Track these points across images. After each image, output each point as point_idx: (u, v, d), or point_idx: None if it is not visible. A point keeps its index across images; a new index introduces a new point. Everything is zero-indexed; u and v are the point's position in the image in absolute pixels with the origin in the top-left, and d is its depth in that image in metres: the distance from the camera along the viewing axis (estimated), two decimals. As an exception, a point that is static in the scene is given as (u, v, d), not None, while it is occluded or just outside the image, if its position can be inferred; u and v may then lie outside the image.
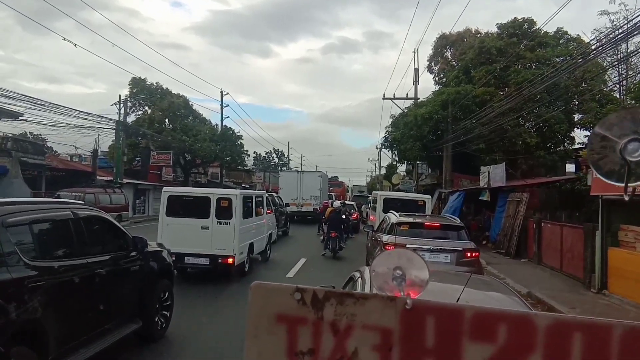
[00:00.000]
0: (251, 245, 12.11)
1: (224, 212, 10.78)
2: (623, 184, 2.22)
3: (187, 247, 10.47)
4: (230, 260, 10.59)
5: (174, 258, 9.63)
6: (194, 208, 11.00)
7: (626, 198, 2.60)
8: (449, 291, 3.30)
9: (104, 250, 5.51)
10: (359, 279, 3.81)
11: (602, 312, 8.87)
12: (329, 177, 49.36)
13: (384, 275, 1.67)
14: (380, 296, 1.53)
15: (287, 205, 26.52)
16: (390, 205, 16.43)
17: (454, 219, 11.54)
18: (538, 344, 1.39)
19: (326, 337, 1.50)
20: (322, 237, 19.03)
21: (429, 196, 19.44)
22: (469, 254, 9.29)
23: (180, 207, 11.05)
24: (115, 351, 5.57)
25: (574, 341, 1.38)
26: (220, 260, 10.61)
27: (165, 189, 11.93)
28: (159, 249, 7.15)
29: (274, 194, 25.26)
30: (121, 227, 6.26)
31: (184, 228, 10.69)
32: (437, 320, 1.46)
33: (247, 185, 52.39)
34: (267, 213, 14.52)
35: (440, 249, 9.25)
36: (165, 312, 6.72)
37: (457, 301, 2.64)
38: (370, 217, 21.01)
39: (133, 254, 6.05)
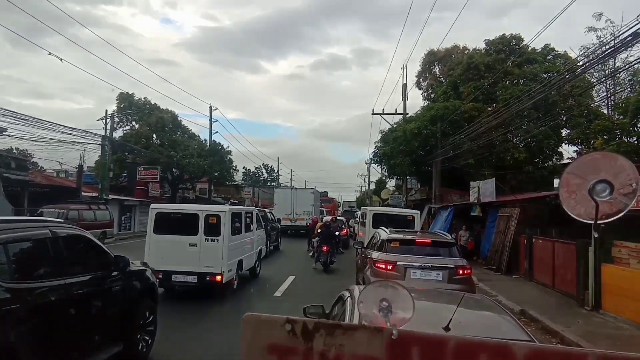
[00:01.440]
0: (240, 262, 11.91)
1: (213, 228, 10.59)
2: (592, 222, 2.33)
3: (175, 264, 10.33)
4: (218, 277, 10.37)
5: (160, 276, 9.77)
6: (182, 225, 10.78)
7: (595, 235, 2.84)
8: (441, 311, 3.23)
9: (84, 270, 5.28)
10: (349, 298, 3.70)
11: (596, 331, 8.68)
12: (319, 192, 50.29)
13: (371, 306, 1.72)
14: (368, 327, 1.58)
15: (279, 220, 27.27)
16: (379, 220, 16.58)
17: (446, 235, 11.30)
18: None
19: None
20: (311, 253, 19.48)
21: (418, 211, 19.33)
22: (461, 271, 9.04)
23: (168, 224, 10.82)
24: None
25: None
26: (208, 278, 10.38)
27: (152, 205, 11.66)
28: (143, 268, 6.93)
29: (266, 210, 25.72)
30: (103, 245, 6.06)
31: (171, 245, 10.50)
32: (422, 349, 1.51)
33: (235, 201, 51.94)
34: (256, 229, 14.36)
35: (432, 266, 8.98)
36: (149, 333, 6.50)
37: (450, 322, 2.66)
38: (359, 233, 20.97)
39: (115, 273, 5.82)
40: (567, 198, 2.55)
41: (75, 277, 5.01)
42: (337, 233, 18.25)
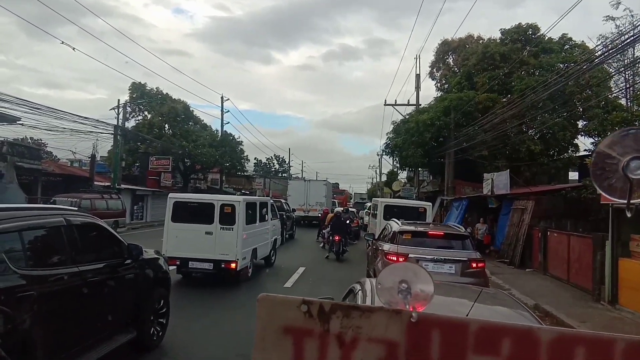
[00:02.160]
0: (255, 250, 12.24)
1: (228, 218, 10.93)
2: (625, 201, 2.23)
3: (192, 252, 10.76)
4: (233, 265, 10.75)
5: (178, 263, 10.61)
6: (199, 214, 11.15)
7: (628, 214, 2.62)
8: (456, 306, 3.21)
9: (97, 258, 5.33)
10: (359, 292, 3.65)
11: (613, 326, 8.48)
12: (331, 184, 51.74)
13: (390, 288, 1.67)
14: (386, 309, 1.54)
15: (294, 210, 28.69)
16: (390, 212, 16.67)
17: (459, 227, 11.09)
18: (542, 358, 1.40)
19: (332, 349, 1.51)
20: (322, 244, 19.83)
21: (430, 203, 19.27)
22: (474, 265, 8.82)
23: (185, 213, 11.21)
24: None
25: (577, 355, 1.39)
26: (223, 265, 10.78)
27: (170, 195, 12.03)
28: (156, 256, 6.94)
29: (282, 200, 26.93)
30: (116, 234, 6.08)
31: (188, 233, 10.90)
32: (443, 333, 1.47)
33: (246, 192, 52.03)
34: (271, 219, 14.64)
35: (445, 259, 8.78)
36: (161, 321, 6.57)
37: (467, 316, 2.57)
38: (370, 225, 20.97)
39: (128, 261, 5.85)
40: (599, 176, 2.38)
41: (89, 264, 5.04)
42: (347, 222, 18.53)
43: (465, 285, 5.73)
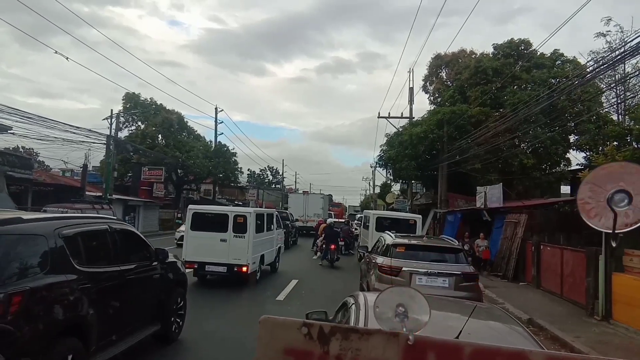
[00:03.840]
0: (262, 256, 13.56)
1: (240, 227, 12.27)
2: (610, 231, 2.42)
3: (208, 256, 12.12)
4: (244, 268, 12.04)
5: (196, 266, 12.13)
6: (215, 223, 12.43)
7: (614, 244, 2.77)
8: (451, 321, 3.17)
9: (132, 260, 6.14)
10: (353, 305, 3.61)
11: (607, 341, 8.44)
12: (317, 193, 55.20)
13: (387, 311, 1.69)
14: (384, 332, 1.57)
15: (297, 220, 31.94)
16: (381, 224, 17.33)
17: (452, 240, 11.01)
18: None
19: None
20: (317, 253, 20.90)
21: (420, 216, 19.64)
22: (468, 279, 8.76)
23: (203, 222, 12.50)
24: (135, 351, 6.08)
25: None
26: (235, 269, 12.08)
27: (190, 206, 13.56)
28: (175, 260, 7.75)
29: (287, 211, 30.71)
30: (146, 240, 6.88)
31: (205, 240, 12.20)
32: (438, 356, 1.48)
33: (240, 202, 51.85)
34: (276, 229, 15.77)
35: (438, 272, 8.65)
36: (180, 317, 7.46)
37: (460, 332, 2.62)
38: (361, 237, 22.09)
39: (154, 263, 6.72)
40: (585, 207, 2.48)
41: (125, 264, 5.87)
42: (339, 230, 20.39)
43: (459, 300, 5.68)
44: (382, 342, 1.54)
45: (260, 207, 30.37)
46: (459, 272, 8.73)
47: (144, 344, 6.36)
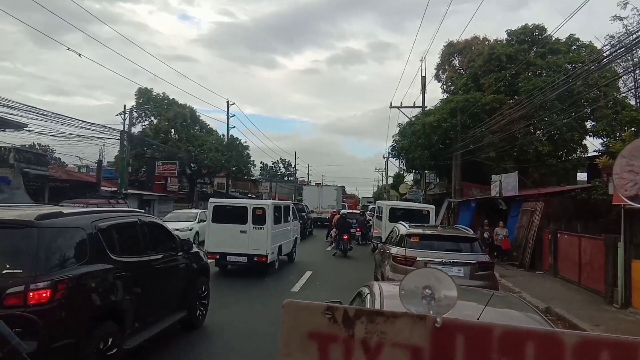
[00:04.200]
0: (280, 247, 14.09)
1: (259, 219, 12.78)
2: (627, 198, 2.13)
3: (229, 247, 12.62)
4: (264, 258, 12.62)
5: (217, 257, 12.64)
6: (235, 216, 12.96)
7: None
8: (468, 310, 3.11)
9: (159, 250, 6.52)
10: (368, 295, 3.63)
11: (627, 330, 8.30)
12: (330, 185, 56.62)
13: (413, 294, 1.67)
14: (410, 314, 1.54)
15: (312, 212, 33.26)
16: (394, 214, 17.38)
17: (467, 230, 10.97)
18: None
19: (357, 354, 1.51)
20: (332, 244, 21.21)
21: (433, 206, 19.64)
22: (483, 267, 8.73)
23: (224, 215, 13.02)
24: (164, 336, 6.57)
25: (601, 359, 1.37)
26: (256, 259, 12.62)
27: (211, 200, 14.09)
28: (198, 250, 8.14)
29: (303, 203, 32.37)
30: (172, 232, 7.29)
31: (226, 232, 12.69)
32: (467, 338, 1.46)
33: (253, 195, 52.05)
34: (292, 221, 16.32)
35: (453, 262, 8.61)
36: (204, 304, 7.80)
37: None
38: (375, 230, 21.71)
39: (180, 254, 7.08)
40: (621, 182, 2.34)
41: (154, 255, 6.27)
42: (351, 221, 21.04)
43: (475, 289, 5.63)
44: (408, 325, 1.51)
45: (273, 200, 30.60)
46: (474, 261, 8.70)
47: (171, 330, 6.81)
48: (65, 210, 5.25)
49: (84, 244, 4.94)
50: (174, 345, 6.78)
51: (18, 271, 4.32)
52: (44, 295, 4.24)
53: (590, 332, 1.60)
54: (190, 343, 6.96)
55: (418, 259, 8.59)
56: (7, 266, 4.36)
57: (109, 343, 4.90)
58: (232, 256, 12.66)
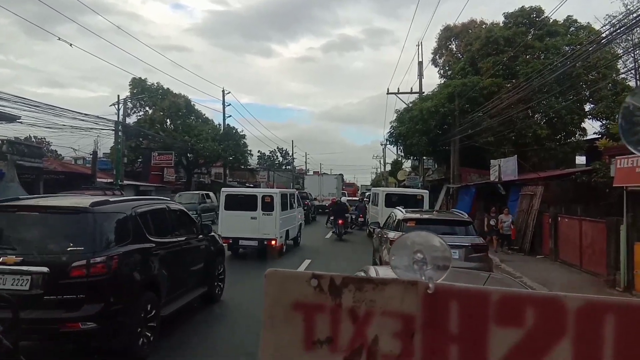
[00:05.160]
0: (287, 232, 15.07)
1: (268, 206, 13.76)
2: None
3: (241, 232, 13.54)
4: (273, 242, 13.62)
5: (230, 241, 13.40)
6: (245, 203, 13.97)
7: None
8: None
9: (183, 233, 7.35)
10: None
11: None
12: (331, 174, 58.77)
13: (404, 259, 1.57)
14: (401, 281, 1.46)
15: (315, 199, 35.11)
16: (390, 200, 18.34)
17: (462, 213, 11.28)
18: (569, 327, 1.32)
19: (345, 324, 1.45)
20: (332, 229, 22.12)
21: (427, 191, 20.77)
22: (477, 249, 9.15)
23: (235, 203, 14.05)
24: (190, 309, 7.48)
25: (607, 323, 1.30)
26: (265, 243, 13.59)
27: (223, 189, 15.22)
28: (214, 233, 8.92)
29: (305, 191, 34.30)
30: (193, 218, 8.37)
31: (238, 218, 13.61)
32: (461, 304, 1.39)
33: (250, 185, 51.86)
34: (297, 207, 17.43)
35: (449, 244, 8.69)
36: (221, 282, 8.72)
37: None
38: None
39: (200, 236, 7.92)
40: (627, 130, 2.18)
41: (179, 237, 7.12)
42: (345, 206, 22.19)
43: (472, 271, 5.68)
44: (399, 292, 1.42)
45: (271, 188, 31.01)
46: (469, 244, 9.11)
47: (194, 305, 7.67)
48: (111, 199, 6.31)
49: (127, 227, 5.80)
50: (199, 314, 7.67)
51: (80, 249, 5.15)
52: (101, 268, 5.10)
53: (594, 296, 1.43)
54: (211, 314, 7.90)
55: None
56: (71, 244, 5.20)
57: (150, 309, 5.78)
58: (244, 240, 13.65)
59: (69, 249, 5.15)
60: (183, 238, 7.17)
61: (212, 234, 8.63)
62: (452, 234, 9.38)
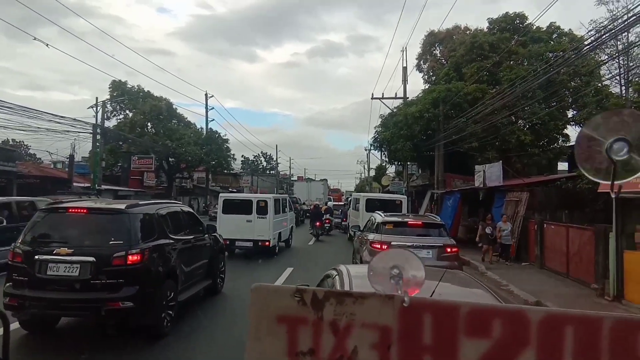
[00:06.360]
0: (280, 234, 16.15)
1: (262, 209, 14.90)
2: (609, 182, 2.30)
3: (237, 234, 14.56)
4: (267, 243, 14.76)
5: (227, 242, 13.56)
6: (241, 207, 15.05)
7: (613, 195, 2.71)
8: (425, 286, 3.15)
9: (193, 232, 8.42)
10: (337, 276, 3.77)
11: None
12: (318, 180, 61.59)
13: (382, 274, 1.66)
14: (379, 295, 1.54)
15: (304, 204, 37.37)
16: (371, 205, 18.99)
17: (435, 217, 12.41)
18: (532, 338, 1.41)
19: (326, 336, 1.51)
20: (311, 231, 23.86)
21: (405, 196, 22.24)
22: (448, 250, 9.94)
23: (232, 207, 15.18)
24: (198, 299, 8.55)
25: (566, 334, 1.40)
26: (260, 244, 14.73)
27: (221, 194, 17.06)
28: (216, 233, 9.95)
29: (295, 196, 36.98)
30: (199, 219, 9.52)
31: (234, 221, 14.67)
32: (434, 317, 1.48)
33: (234, 190, 51.18)
34: (289, 211, 18.52)
35: (423, 245, 9.74)
36: (222, 276, 9.76)
37: (432, 295, 2.67)
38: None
39: (205, 236, 8.99)
40: (584, 159, 2.39)
41: (190, 235, 8.18)
42: (322, 209, 24.94)
43: (430, 267, 5.47)
44: (377, 305, 1.51)
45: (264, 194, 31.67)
46: (441, 244, 10.00)
47: (200, 296, 8.71)
48: (141, 202, 7.53)
49: (153, 225, 6.92)
50: (204, 303, 8.70)
51: (120, 242, 6.20)
52: (137, 258, 6.16)
53: (555, 308, 1.70)
54: (216, 303, 8.94)
55: (392, 243, 9.43)
56: (112, 239, 6.26)
57: (170, 295, 6.79)
58: (240, 242, 14.70)
59: (110, 242, 6.22)
60: (193, 236, 8.24)
61: (215, 234, 9.74)
62: (426, 236, 10.31)
